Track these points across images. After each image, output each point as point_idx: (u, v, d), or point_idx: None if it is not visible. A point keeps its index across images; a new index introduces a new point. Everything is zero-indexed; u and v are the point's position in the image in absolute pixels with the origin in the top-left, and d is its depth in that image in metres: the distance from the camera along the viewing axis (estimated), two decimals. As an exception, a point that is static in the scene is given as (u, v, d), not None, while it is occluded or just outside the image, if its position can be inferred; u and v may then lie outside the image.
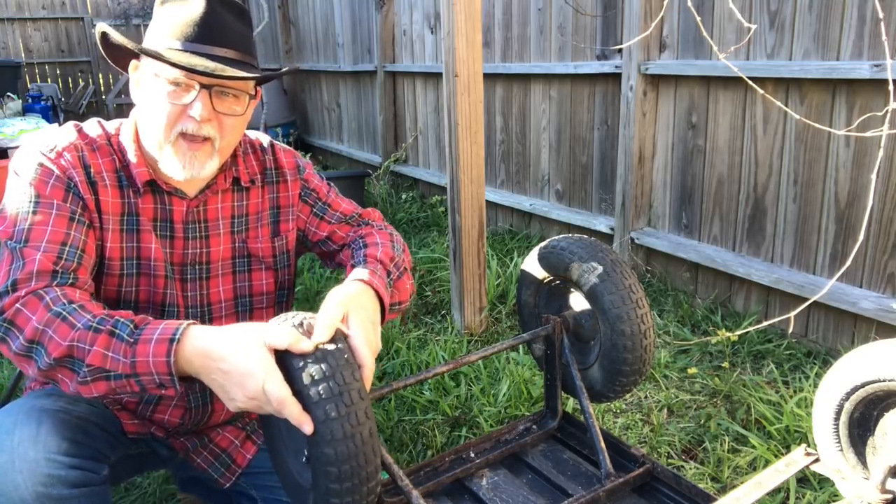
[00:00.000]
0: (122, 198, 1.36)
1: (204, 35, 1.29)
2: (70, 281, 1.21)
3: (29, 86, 9.88)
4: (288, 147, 1.60)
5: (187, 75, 1.26)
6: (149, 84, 1.31)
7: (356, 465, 1.04)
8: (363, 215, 1.60)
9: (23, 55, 10.51)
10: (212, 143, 1.32)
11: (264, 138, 1.58)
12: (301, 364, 1.04)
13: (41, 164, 1.29)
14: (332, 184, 1.64)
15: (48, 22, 10.78)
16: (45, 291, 1.15)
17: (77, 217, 1.28)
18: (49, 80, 10.82)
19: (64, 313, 1.12)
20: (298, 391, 1.05)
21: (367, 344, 1.16)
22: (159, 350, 1.09)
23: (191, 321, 1.15)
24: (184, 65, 1.24)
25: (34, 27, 10.73)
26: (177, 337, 1.10)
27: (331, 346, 1.07)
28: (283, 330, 1.07)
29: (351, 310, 1.20)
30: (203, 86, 1.28)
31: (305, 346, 1.06)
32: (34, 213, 1.25)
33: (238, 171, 1.47)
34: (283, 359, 1.08)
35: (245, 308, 1.51)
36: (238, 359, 1.07)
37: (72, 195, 1.29)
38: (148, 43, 1.32)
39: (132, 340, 1.11)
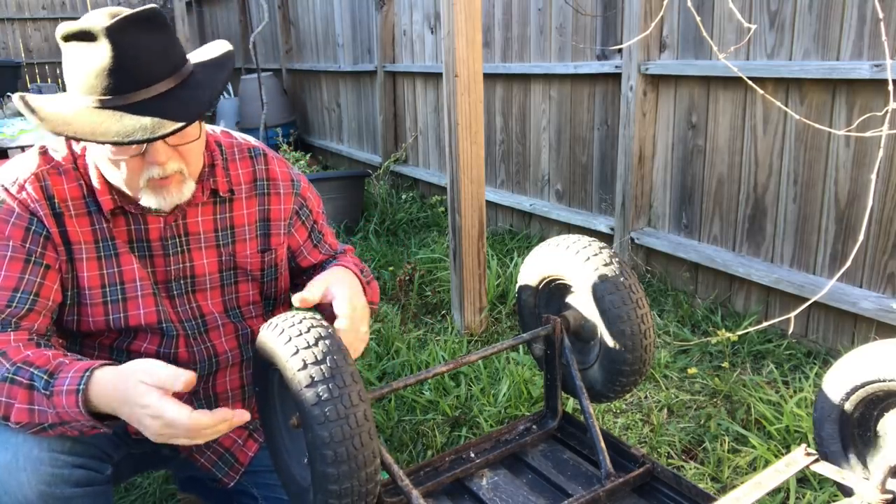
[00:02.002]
0: (91, 224, 1.32)
1: (123, 83, 1.14)
2: (11, 328, 1.21)
3: (29, 86, 9.88)
4: (280, 156, 1.55)
5: (128, 146, 1.15)
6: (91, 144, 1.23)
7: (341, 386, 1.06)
8: (345, 251, 1.66)
9: (23, 55, 10.51)
10: (181, 173, 1.26)
11: (256, 143, 1.52)
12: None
13: (2, 202, 1.26)
14: (321, 204, 1.63)
15: (48, 22, 10.78)
16: None
17: (34, 259, 1.25)
18: (49, 80, 10.81)
19: None
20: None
21: (348, 301, 1.28)
22: (70, 401, 1.12)
23: (100, 362, 1.16)
24: (119, 140, 1.11)
25: (34, 27, 10.73)
26: (80, 387, 1.12)
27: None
28: (162, 373, 1.11)
29: (332, 283, 1.32)
30: None
31: (178, 384, 1.10)
32: None
33: (216, 182, 1.41)
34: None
35: (237, 318, 1.50)
36: (133, 399, 1.10)
37: (32, 234, 1.26)
38: (69, 95, 1.19)
39: (48, 393, 1.14)
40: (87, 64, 1.14)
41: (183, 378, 1.10)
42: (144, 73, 1.16)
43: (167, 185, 1.25)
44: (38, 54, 10.72)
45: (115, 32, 1.13)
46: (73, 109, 1.17)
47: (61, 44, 1.19)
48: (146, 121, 1.13)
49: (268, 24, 7.37)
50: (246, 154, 1.48)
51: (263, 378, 1.25)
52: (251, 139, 1.53)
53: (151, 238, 1.37)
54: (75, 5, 10.95)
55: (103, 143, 1.13)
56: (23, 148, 5.30)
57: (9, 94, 7.73)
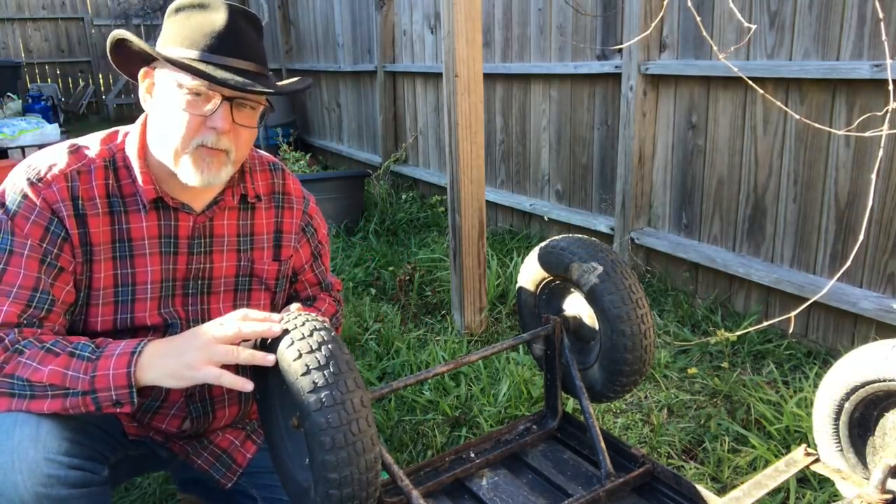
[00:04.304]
0: (112, 224, 1.33)
1: (226, 47, 1.26)
2: (36, 326, 1.25)
3: (29, 86, 9.88)
4: (293, 175, 1.61)
5: (210, 86, 1.24)
6: (167, 93, 1.27)
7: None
8: (333, 284, 1.71)
9: (23, 55, 10.51)
10: (227, 154, 1.31)
11: (274, 159, 1.58)
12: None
13: (25, 197, 1.26)
14: (326, 227, 1.69)
15: (48, 22, 10.79)
16: (5, 334, 1.20)
17: (49, 260, 1.26)
18: (49, 80, 10.82)
19: (20, 347, 1.19)
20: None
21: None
22: (120, 363, 1.19)
23: (150, 338, 1.24)
24: (215, 77, 1.21)
25: (34, 27, 10.73)
26: (137, 349, 1.20)
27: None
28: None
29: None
30: (225, 98, 1.26)
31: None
32: (9, 252, 1.24)
33: (245, 188, 1.46)
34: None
35: None
36: (187, 335, 1.23)
37: (51, 234, 1.27)
38: (163, 50, 1.28)
39: (94, 357, 1.19)
40: (199, 25, 1.26)
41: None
42: (244, 47, 1.29)
43: (211, 159, 1.29)
44: (38, 54, 10.72)
45: (233, 10, 1.28)
46: (170, 54, 1.26)
47: (171, 15, 1.29)
48: (238, 78, 1.25)
49: (268, 24, 7.37)
50: (266, 167, 1.54)
51: (263, 378, 1.25)
52: (268, 154, 1.59)
53: (180, 235, 1.39)
54: (75, 5, 10.95)
55: (203, 76, 1.22)
56: (23, 148, 5.28)
57: (9, 94, 7.73)
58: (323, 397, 1.04)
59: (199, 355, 1.17)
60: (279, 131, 7.02)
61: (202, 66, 1.23)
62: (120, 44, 1.30)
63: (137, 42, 1.27)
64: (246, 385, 1.18)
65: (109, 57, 1.33)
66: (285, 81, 1.42)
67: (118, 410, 1.19)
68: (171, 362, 1.19)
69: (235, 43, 1.27)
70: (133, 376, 1.17)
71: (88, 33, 10.98)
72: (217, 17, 1.26)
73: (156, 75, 1.31)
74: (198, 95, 1.25)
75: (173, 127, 1.27)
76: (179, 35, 1.27)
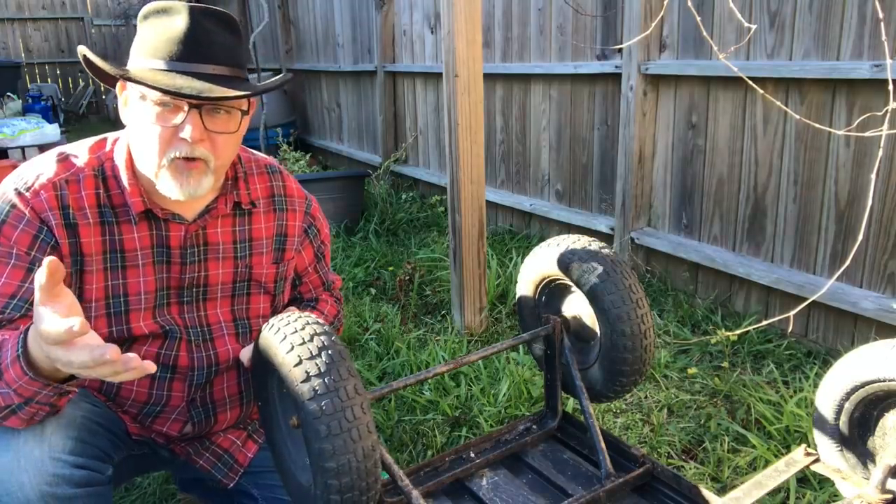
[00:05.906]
0: (103, 235, 1.31)
1: (189, 53, 1.22)
2: (1, 326, 1.19)
3: (29, 86, 9.89)
4: (292, 175, 1.59)
5: (174, 97, 1.20)
6: (136, 106, 1.25)
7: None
8: (334, 282, 1.69)
9: (23, 55, 10.52)
10: (205, 162, 1.27)
11: (271, 160, 1.55)
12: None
13: (13, 206, 1.25)
14: (328, 227, 1.67)
15: (48, 22, 10.79)
16: None
17: (36, 267, 1.23)
18: (49, 80, 10.83)
19: None
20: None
21: None
22: (17, 372, 1.07)
23: (27, 325, 1.09)
24: (168, 88, 1.17)
25: (34, 27, 10.74)
26: (19, 353, 1.07)
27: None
28: (52, 332, 0.97)
29: None
30: (192, 106, 1.22)
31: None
32: None
33: (239, 195, 1.44)
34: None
35: (245, 329, 1.50)
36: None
37: (39, 243, 1.25)
38: (132, 62, 1.26)
39: (2, 371, 1.09)
40: (162, 32, 1.23)
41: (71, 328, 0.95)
42: (208, 51, 1.24)
43: (189, 170, 1.25)
44: (38, 54, 10.72)
45: (196, 12, 1.23)
46: (136, 66, 1.24)
47: (140, 22, 1.27)
48: (197, 84, 1.19)
49: (268, 24, 7.37)
50: (264, 170, 1.51)
51: (263, 379, 1.25)
52: (265, 156, 1.56)
53: (171, 245, 1.37)
54: (75, 5, 10.96)
55: (153, 87, 1.17)
56: (23, 148, 5.29)
57: (9, 94, 7.73)
58: (316, 386, 1.04)
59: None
60: (279, 131, 7.01)
61: (163, 77, 1.19)
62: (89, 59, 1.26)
63: (97, 61, 1.23)
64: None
65: (88, 70, 1.29)
66: (270, 81, 1.38)
67: (66, 400, 1.16)
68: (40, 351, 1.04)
69: (198, 47, 1.22)
70: (39, 376, 1.07)
71: (88, 33, 10.99)
72: (178, 22, 1.22)
73: (128, 87, 1.28)
74: (165, 106, 1.22)
75: (147, 140, 1.24)
76: (145, 44, 1.24)
